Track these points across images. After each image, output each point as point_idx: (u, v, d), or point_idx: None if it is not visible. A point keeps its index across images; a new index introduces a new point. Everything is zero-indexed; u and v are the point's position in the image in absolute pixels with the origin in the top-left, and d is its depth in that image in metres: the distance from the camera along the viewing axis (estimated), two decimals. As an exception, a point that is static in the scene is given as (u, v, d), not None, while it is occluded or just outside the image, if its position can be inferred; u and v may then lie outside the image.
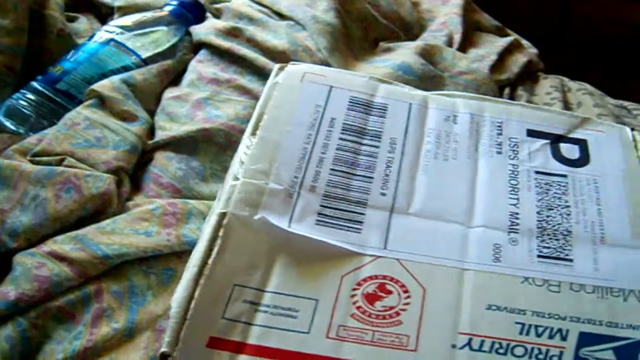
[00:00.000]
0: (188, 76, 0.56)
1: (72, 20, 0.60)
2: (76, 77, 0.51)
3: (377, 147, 0.35)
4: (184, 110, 0.52)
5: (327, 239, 0.30)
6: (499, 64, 0.66)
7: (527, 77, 0.68)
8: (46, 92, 0.50)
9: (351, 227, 0.31)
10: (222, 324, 0.27)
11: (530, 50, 0.71)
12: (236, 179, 0.32)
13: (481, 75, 0.62)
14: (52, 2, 0.56)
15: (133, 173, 0.48)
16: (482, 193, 0.34)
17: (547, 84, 0.67)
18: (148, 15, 0.58)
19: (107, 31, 0.55)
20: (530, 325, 0.28)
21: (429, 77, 0.60)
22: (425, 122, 0.37)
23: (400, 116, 0.37)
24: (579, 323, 0.28)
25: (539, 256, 0.31)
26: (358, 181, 0.34)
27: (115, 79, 0.51)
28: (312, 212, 0.32)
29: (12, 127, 0.49)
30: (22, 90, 0.50)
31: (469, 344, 0.27)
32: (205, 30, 0.58)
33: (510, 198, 0.34)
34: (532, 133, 0.37)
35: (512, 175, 0.35)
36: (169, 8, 0.60)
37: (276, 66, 0.39)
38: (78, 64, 0.52)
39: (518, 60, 0.67)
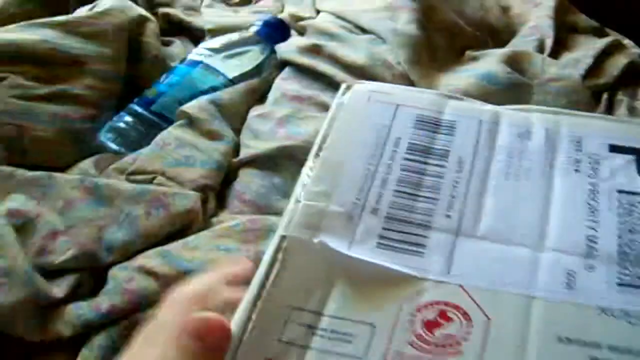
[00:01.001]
0: (272, 94, 0.56)
1: (167, 44, 0.63)
2: (169, 98, 0.54)
3: (443, 166, 0.33)
4: (268, 128, 0.52)
5: (387, 262, 0.29)
6: (595, 68, 0.61)
7: (630, 80, 0.62)
8: (142, 113, 0.53)
9: (413, 251, 0.30)
10: (278, 347, 0.26)
11: (633, 51, 0.65)
12: (297, 201, 0.32)
13: (572, 82, 0.57)
14: (149, 30, 0.59)
15: (219, 190, 0.49)
16: (556, 215, 0.31)
17: None
18: (235, 36, 0.60)
19: (197, 54, 0.57)
20: None
21: (515, 85, 0.57)
22: (496, 139, 0.35)
23: (470, 133, 0.35)
24: None
25: (619, 284, 0.28)
26: (422, 202, 0.32)
27: (203, 99, 0.53)
28: (373, 235, 0.30)
29: (114, 147, 0.52)
30: (121, 113, 0.53)
31: None
32: (288, 48, 0.59)
33: (588, 220, 0.30)
34: (615, 148, 0.33)
35: (591, 195, 0.31)
36: (254, 28, 0.61)
37: (343, 85, 0.38)
38: (170, 87, 0.54)
39: (618, 62, 0.62)
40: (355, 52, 0.58)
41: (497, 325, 0.26)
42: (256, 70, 0.59)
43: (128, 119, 0.52)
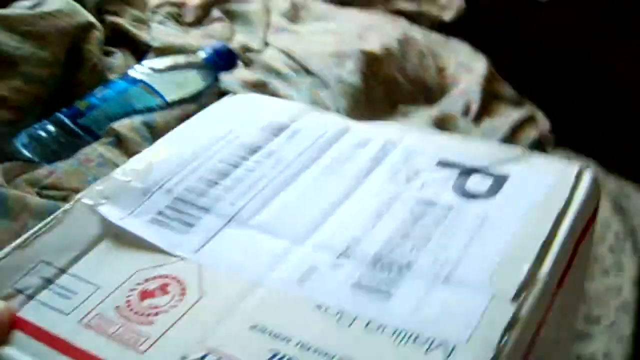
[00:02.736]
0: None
1: (108, 54, 0.59)
2: (100, 113, 0.49)
3: (260, 163, 0.33)
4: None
5: (143, 234, 0.29)
6: (510, 137, 0.63)
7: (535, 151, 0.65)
8: (68, 125, 0.48)
9: (180, 229, 0.30)
10: (9, 292, 0.27)
11: (542, 125, 0.68)
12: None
13: None
14: (93, 38, 0.54)
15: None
16: (340, 215, 0.30)
17: None
18: (181, 59, 0.56)
19: (139, 72, 0.53)
20: (283, 356, 0.23)
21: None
22: (331, 147, 0.34)
23: (306, 140, 0.34)
24: None
25: (353, 285, 0.26)
26: (217, 190, 0.32)
27: (137, 119, 0.49)
28: (154, 210, 0.31)
29: (28, 155, 0.47)
30: (44, 120, 0.48)
31: (202, 359, 0.23)
32: (233, 80, 0.56)
33: (366, 224, 0.29)
34: (443, 163, 0.32)
35: (387, 203, 0.30)
36: (202, 54, 0.58)
37: (230, 94, 0.39)
38: (104, 101, 0.50)
39: (529, 135, 0.65)
40: (298, 93, 0.56)
41: (205, 304, 0.26)
42: (196, 97, 0.55)
43: (51, 128, 0.48)
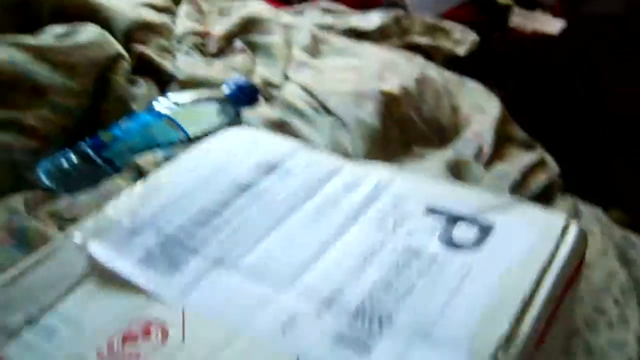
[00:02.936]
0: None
1: (132, 82, 0.60)
2: (123, 146, 0.50)
3: (249, 203, 0.33)
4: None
5: (130, 276, 0.29)
6: (521, 182, 0.63)
7: (544, 197, 0.64)
8: (91, 156, 0.49)
9: (166, 270, 0.29)
10: None
11: (552, 170, 0.68)
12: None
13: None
14: (121, 68, 0.55)
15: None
16: (326, 262, 0.30)
17: (561, 207, 0.63)
18: (205, 93, 0.57)
19: (163, 106, 0.54)
20: None
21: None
22: (321, 189, 0.34)
23: (298, 180, 0.34)
24: None
25: (335, 337, 0.26)
26: (205, 230, 0.31)
27: (159, 154, 0.50)
28: (141, 250, 0.30)
29: (49, 184, 0.47)
30: (67, 150, 0.49)
31: None
32: (255, 117, 0.57)
33: (351, 272, 0.29)
34: (431, 210, 0.32)
35: (372, 250, 0.30)
36: (225, 89, 0.59)
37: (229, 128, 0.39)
38: (127, 134, 0.51)
39: (538, 180, 0.65)
40: (320, 136, 0.57)
41: (186, 351, 0.26)
42: (217, 130, 0.56)
43: (74, 158, 0.48)
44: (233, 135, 0.39)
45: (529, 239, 0.30)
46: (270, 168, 0.35)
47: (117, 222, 0.31)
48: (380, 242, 0.30)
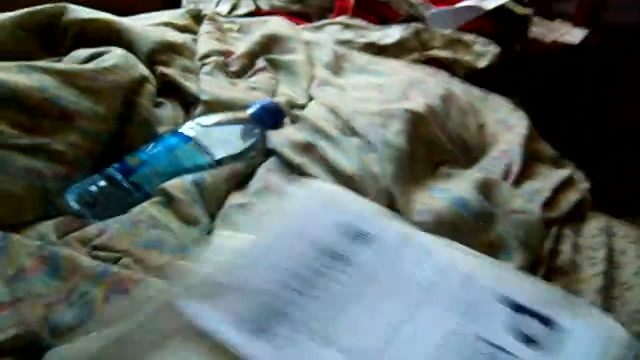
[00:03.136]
0: (255, 184, 0.53)
1: (156, 105, 0.59)
2: (150, 170, 0.49)
3: (337, 271, 0.34)
4: (247, 221, 0.49)
5: (217, 334, 0.30)
6: (551, 201, 0.61)
7: (575, 215, 0.63)
8: (119, 181, 0.48)
9: (256, 334, 0.31)
10: None
11: (582, 187, 0.66)
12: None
13: (532, 217, 0.57)
14: (146, 91, 0.55)
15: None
16: (401, 344, 0.31)
17: (594, 226, 0.61)
18: (230, 115, 0.56)
19: (190, 128, 0.53)
20: None
21: (484, 214, 0.56)
22: (398, 259, 0.35)
23: (377, 251, 0.36)
24: None
25: None
26: (296, 296, 0.33)
27: (187, 179, 0.49)
28: (231, 310, 0.31)
29: (78, 210, 0.47)
30: (95, 175, 0.48)
31: None
32: (281, 140, 0.56)
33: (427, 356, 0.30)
34: (501, 298, 0.33)
35: (447, 335, 0.31)
36: (250, 110, 0.58)
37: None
38: (154, 158, 0.50)
39: (569, 198, 0.63)
40: (347, 159, 0.56)
41: None
42: (243, 154, 0.55)
43: (102, 183, 0.48)
44: (313, 193, 0.41)
45: (594, 346, 0.31)
46: (353, 235, 0.37)
47: (207, 278, 0.33)
48: (455, 327, 0.32)
